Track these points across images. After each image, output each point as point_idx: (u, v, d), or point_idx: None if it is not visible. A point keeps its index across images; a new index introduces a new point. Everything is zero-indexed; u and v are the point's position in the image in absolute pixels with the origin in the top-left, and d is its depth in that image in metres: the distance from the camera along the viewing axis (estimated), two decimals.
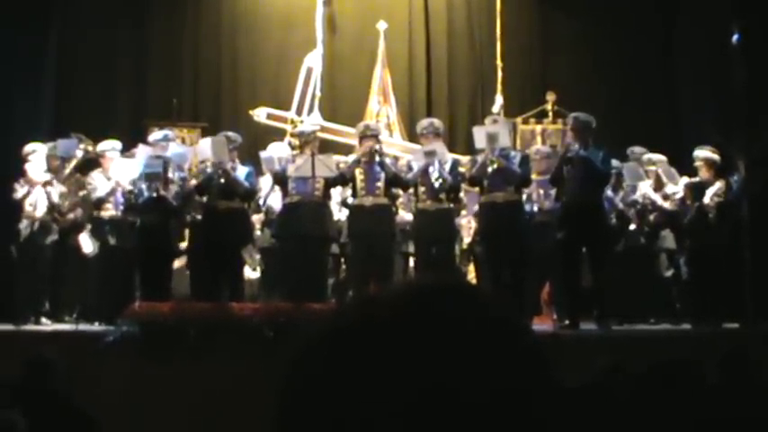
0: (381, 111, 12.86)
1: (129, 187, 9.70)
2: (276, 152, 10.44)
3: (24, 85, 12.09)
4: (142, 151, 9.85)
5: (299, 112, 12.68)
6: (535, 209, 10.15)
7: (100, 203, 9.92)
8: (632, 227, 10.36)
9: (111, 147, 10.16)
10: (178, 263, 10.31)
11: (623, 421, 4.14)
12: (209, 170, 9.51)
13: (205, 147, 9.84)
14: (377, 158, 9.44)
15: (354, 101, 13.19)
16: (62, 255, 10.05)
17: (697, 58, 12.54)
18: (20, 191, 9.78)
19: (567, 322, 9.04)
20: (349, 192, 9.85)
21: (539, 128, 12.92)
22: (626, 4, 13.37)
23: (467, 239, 10.72)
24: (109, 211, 9.92)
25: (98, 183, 9.94)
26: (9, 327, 9.16)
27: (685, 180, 10.22)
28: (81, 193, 10.10)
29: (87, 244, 10.04)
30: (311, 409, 0.81)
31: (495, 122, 9.99)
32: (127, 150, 10.35)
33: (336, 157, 10.10)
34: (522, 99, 13.34)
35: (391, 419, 0.78)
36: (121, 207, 9.84)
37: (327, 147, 11.29)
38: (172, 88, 13.01)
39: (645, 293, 10.26)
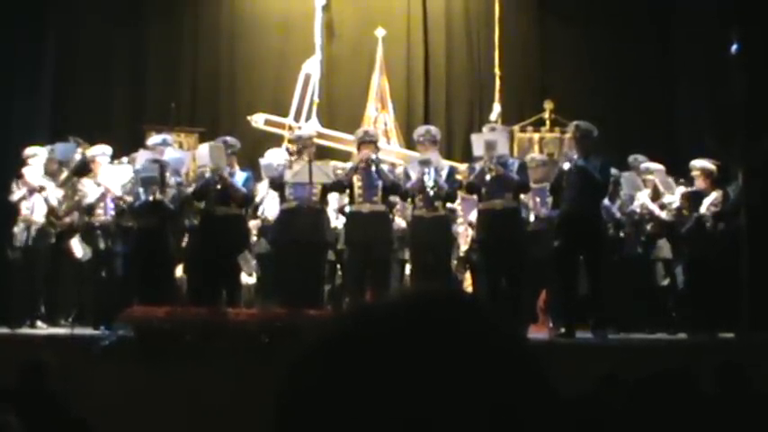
0: (379, 117, 12.88)
1: (119, 193, 9.68)
2: (275, 158, 10.44)
3: (22, 88, 12.09)
4: (143, 156, 9.84)
5: (296, 119, 12.69)
6: (531, 217, 10.17)
7: (91, 209, 9.90)
8: (621, 234, 10.38)
9: (101, 152, 10.09)
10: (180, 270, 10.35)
11: (618, 431, 4.15)
12: (207, 176, 9.51)
13: (204, 152, 9.84)
14: (373, 167, 9.45)
15: (352, 107, 13.21)
16: (58, 258, 10.04)
17: (695, 66, 12.57)
18: (17, 193, 9.76)
19: (563, 331, 9.03)
20: (346, 199, 9.85)
21: (536, 136, 12.93)
22: (623, 12, 13.39)
23: (463, 247, 10.72)
24: (100, 217, 9.89)
25: (88, 189, 9.92)
26: (4, 330, 9.15)
27: (682, 190, 10.24)
28: (77, 198, 10.09)
29: (78, 249, 10.01)
30: (308, 417, 0.82)
31: (493, 130, 10.03)
32: (126, 155, 10.35)
33: (334, 164, 10.11)
34: (519, 107, 13.37)
35: (388, 428, 0.78)
36: (112, 213, 9.83)
37: (325, 153, 11.31)
38: (170, 93, 13.00)
39: (641, 303, 10.27)
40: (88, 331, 9.08)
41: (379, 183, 9.45)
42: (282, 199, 9.58)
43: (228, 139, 9.89)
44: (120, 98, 13.43)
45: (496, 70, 13.18)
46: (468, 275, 10.90)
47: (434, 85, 13.84)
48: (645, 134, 12.40)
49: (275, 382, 0.86)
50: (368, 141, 9.69)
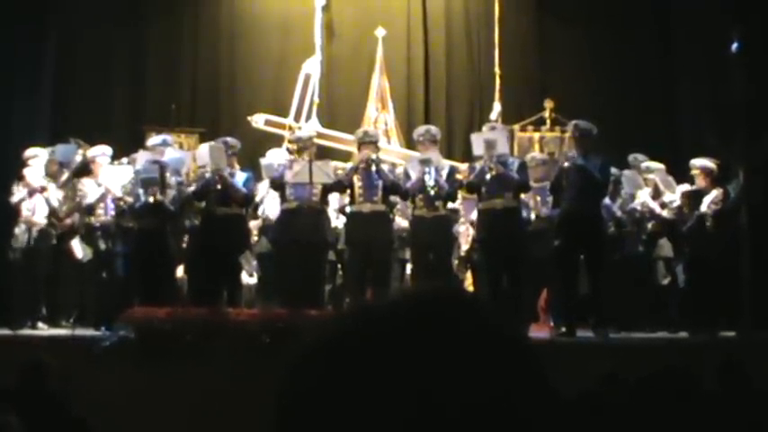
0: (379, 117, 12.88)
1: (119, 194, 9.68)
2: (275, 159, 10.45)
3: (22, 88, 12.09)
4: (143, 157, 9.84)
5: (297, 119, 12.68)
6: (532, 216, 10.17)
7: (91, 210, 9.89)
8: (622, 232, 10.39)
9: (101, 152, 10.07)
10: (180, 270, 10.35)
11: (619, 430, 4.14)
12: (207, 176, 9.51)
13: (204, 152, 9.84)
14: (373, 167, 9.45)
15: (352, 107, 13.21)
16: (59, 259, 10.04)
17: (695, 65, 12.57)
18: (17, 194, 9.76)
19: (563, 330, 9.03)
20: (347, 199, 9.85)
21: (536, 135, 12.93)
22: (624, 11, 13.39)
23: (465, 247, 10.71)
24: (101, 218, 9.89)
25: (88, 189, 9.91)
26: (5, 331, 9.14)
27: (682, 188, 10.24)
28: (77, 199, 10.08)
29: (79, 250, 10.00)
30: (309, 417, 0.82)
31: (492, 129, 10.03)
32: (126, 155, 10.35)
33: (334, 164, 10.12)
34: (520, 106, 13.36)
35: (388, 428, 0.78)
36: (112, 213, 9.83)
37: (325, 153, 11.30)
38: (170, 93, 13.01)
39: (642, 301, 10.27)
40: (89, 332, 9.07)
41: (380, 183, 9.45)
42: (283, 199, 9.58)
43: (229, 139, 9.90)
44: (120, 98, 13.42)
45: (496, 69, 13.17)
46: (469, 275, 10.90)
47: (434, 85, 13.84)
48: (645, 133, 12.39)
49: (276, 382, 0.86)
50: (368, 142, 9.69)
